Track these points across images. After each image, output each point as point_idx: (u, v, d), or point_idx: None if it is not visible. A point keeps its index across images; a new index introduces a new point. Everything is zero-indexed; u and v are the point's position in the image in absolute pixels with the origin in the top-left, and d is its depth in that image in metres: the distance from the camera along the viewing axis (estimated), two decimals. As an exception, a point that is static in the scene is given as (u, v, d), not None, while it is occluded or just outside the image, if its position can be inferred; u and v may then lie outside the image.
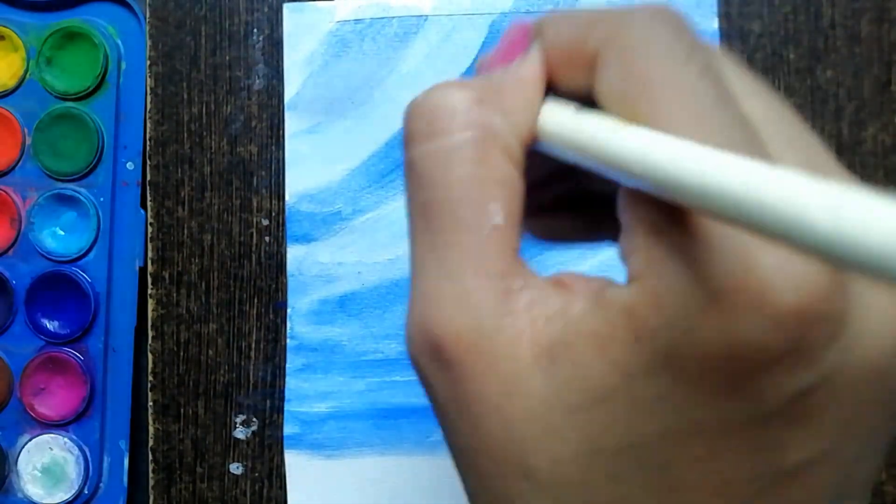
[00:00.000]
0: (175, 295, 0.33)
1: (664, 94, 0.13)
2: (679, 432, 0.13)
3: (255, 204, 0.33)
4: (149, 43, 0.33)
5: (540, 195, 0.18)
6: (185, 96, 0.33)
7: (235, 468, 0.33)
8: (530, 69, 0.16)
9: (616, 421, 0.13)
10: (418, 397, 0.33)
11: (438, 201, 0.15)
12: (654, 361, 0.13)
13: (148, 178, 0.33)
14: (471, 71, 0.32)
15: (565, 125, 0.15)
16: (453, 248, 0.14)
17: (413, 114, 0.15)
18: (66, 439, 0.33)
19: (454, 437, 0.15)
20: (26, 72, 0.34)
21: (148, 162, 0.33)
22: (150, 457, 0.33)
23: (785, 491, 0.13)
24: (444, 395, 0.15)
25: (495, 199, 0.14)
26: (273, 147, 0.33)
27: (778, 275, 0.12)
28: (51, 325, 0.34)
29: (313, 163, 0.33)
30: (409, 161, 0.15)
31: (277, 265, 0.33)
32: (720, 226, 0.12)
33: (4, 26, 0.34)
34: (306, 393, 0.33)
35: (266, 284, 0.33)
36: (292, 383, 0.33)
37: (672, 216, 0.13)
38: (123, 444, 0.34)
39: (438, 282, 0.14)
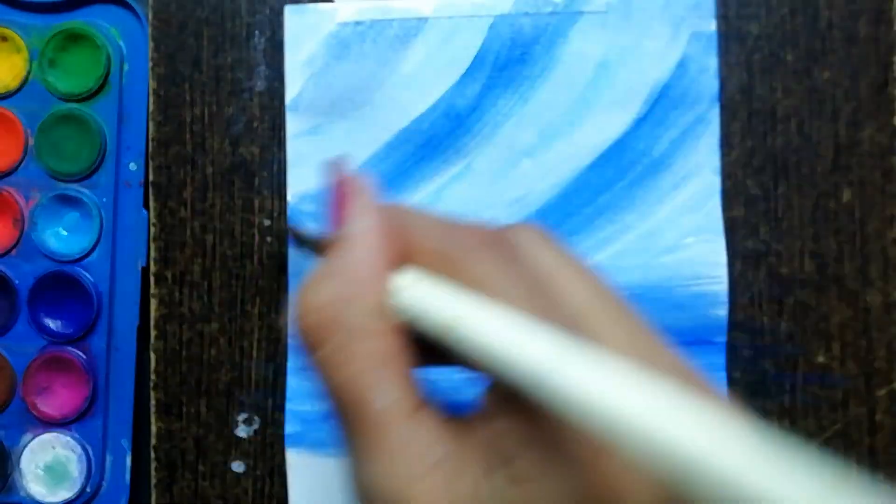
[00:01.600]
0: (177, 294, 0.33)
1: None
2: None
3: (256, 204, 0.33)
4: (151, 44, 0.33)
5: None
6: (188, 97, 0.33)
7: (237, 466, 0.33)
8: (366, 246, 0.18)
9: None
10: (419, 396, 0.33)
11: (337, 398, 0.17)
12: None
13: (150, 178, 0.33)
14: (471, 73, 0.32)
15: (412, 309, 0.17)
16: (357, 434, 0.17)
17: (299, 329, 0.18)
18: (68, 438, 0.34)
19: None
20: (29, 73, 0.34)
21: (150, 163, 0.33)
22: (153, 455, 0.33)
23: None
24: None
25: (378, 383, 0.17)
26: (275, 148, 0.33)
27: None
28: (53, 324, 0.34)
29: (314, 163, 0.33)
30: (312, 365, 0.18)
31: (279, 265, 0.33)
32: None
33: (7, 28, 0.34)
34: (308, 391, 0.33)
35: (268, 284, 0.33)
36: (294, 382, 0.33)
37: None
38: (126, 443, 0.34)
39: (357, 454, 0.17)
